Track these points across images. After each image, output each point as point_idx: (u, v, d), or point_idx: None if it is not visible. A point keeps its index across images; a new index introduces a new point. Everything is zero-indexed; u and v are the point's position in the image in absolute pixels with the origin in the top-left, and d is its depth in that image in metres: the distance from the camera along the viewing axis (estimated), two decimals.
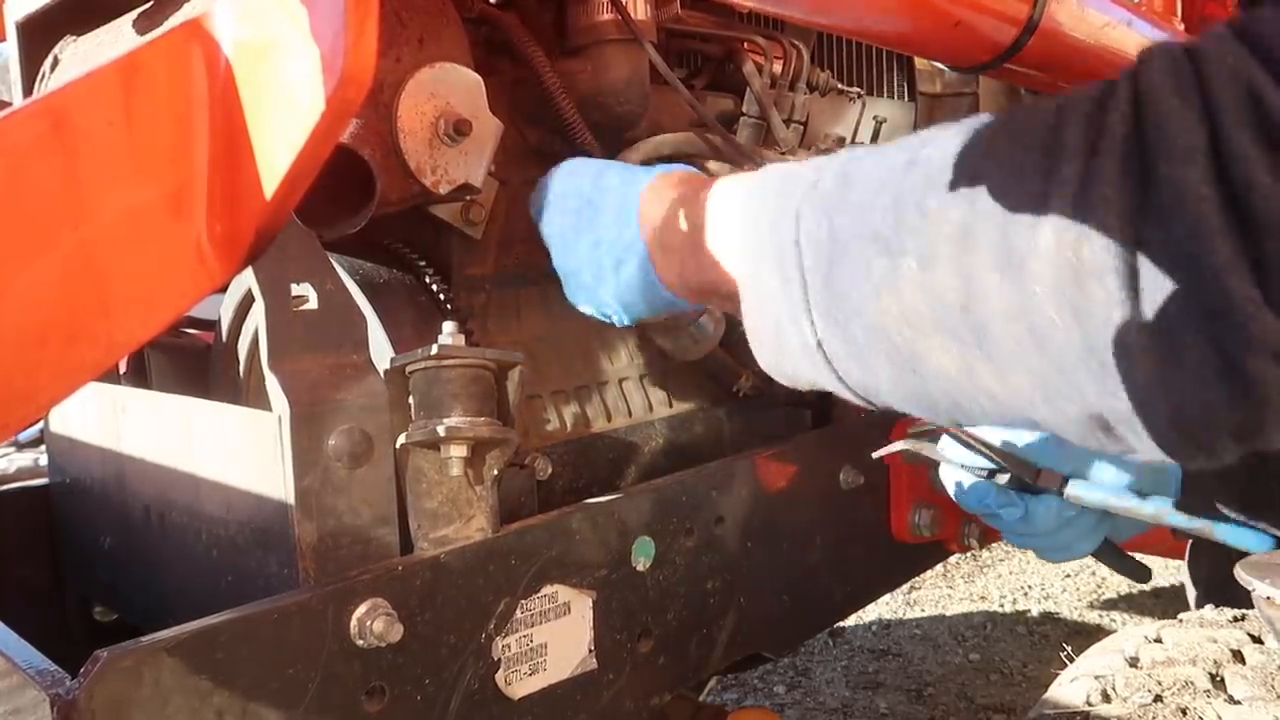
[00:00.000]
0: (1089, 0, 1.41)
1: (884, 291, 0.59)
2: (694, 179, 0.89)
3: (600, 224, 0.93)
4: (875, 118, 1.36)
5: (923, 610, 3.58)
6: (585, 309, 1.00)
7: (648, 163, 1.11)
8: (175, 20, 0.87)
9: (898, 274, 0.58)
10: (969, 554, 2.53)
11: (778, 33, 1.35)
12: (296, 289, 0.81)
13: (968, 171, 0.56)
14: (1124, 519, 1.06)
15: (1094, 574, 3.90)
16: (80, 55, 1.05)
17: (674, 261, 0.86)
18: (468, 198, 1.02)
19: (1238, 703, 0.98)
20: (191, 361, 1.21)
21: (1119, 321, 0.49)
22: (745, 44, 1.31)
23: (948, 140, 0.59)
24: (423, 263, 1.07)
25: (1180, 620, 1.18)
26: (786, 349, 0.69)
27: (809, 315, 0.65)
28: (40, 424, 1.23)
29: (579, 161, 1.01)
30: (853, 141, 1.32)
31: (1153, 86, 0.50)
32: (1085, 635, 3.21)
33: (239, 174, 0.60)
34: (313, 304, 0.82)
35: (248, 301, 1.09)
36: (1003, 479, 1.07)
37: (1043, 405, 0.56)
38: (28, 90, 1.15)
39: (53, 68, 1.09)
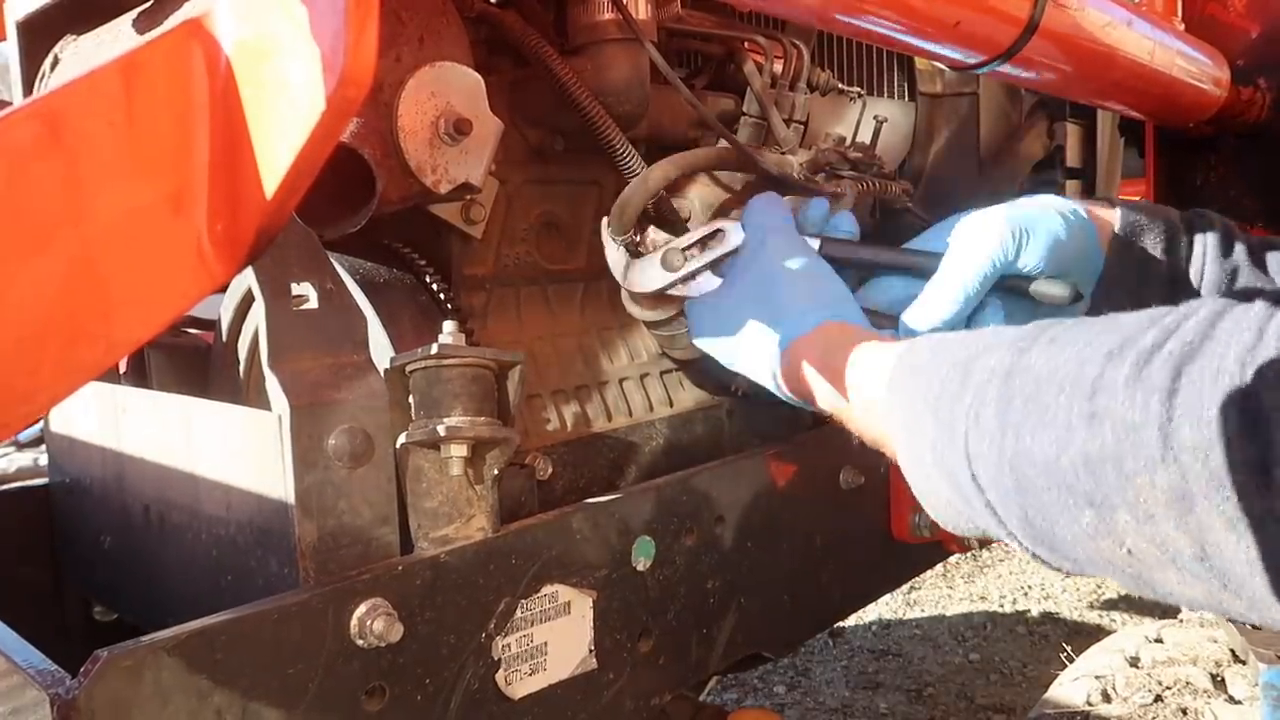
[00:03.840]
0: (1089, 0, 1.41)
1: (1100, 536, 0.59)
2: (833, 345, 0.89)
3: (748, 369, 0.98)
4: (876, 117, 1.36)
5: (923, 610, 3.58)
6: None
7: (662, 187, 1.10)
8: (175, 20, 0.86)
9: (1113, 525, 0.58)
10: (969, 554, 2.53)
11: (778, 32, 1.35)
12: (297, 288, 0.81)
13: (1160, 437, 0.55)
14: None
15: None
16: (80, 55, 1.05)
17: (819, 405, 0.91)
18: (468, 197, 1.02)
19: (1238, 702, 0.99)
20: (191, 361, 1.21)
21: None
22: (746, 44, 1.30)
23: (1120, 392, 0.58)
24: (423, 262, 1.07)
25: (1181, 620, 1.18)
26: (979, 529, 0.70)
27: (1013, 537, 0.66)
28: (40, 424, 1.23)
29: (718, 299, 1.03)
30: (853, 141, 1.32)
31: None
32: (1085, 635, 3.20)
33: (239, 173, 0.60)
34: (313, 303, 0.82)
35: (248, 301, 1.09)
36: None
37: None
38: (28, 90, 1.15)
39: (53, 67, 1.09)
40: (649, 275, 1.06)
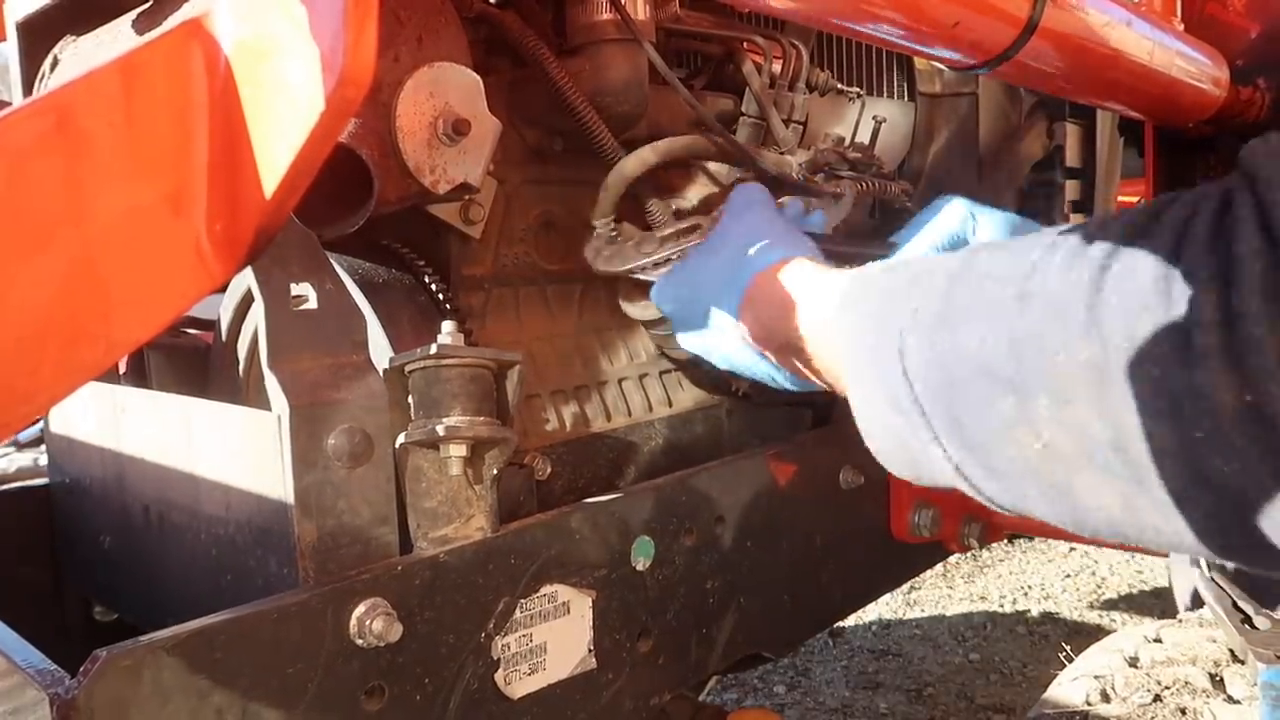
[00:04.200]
0: (1089, 0, 1.41)
1: (1017, 427, 0.57)
2: (792, 276, 0.88)
3: (707, 326, 0.96)
4: (875, 118, 1.36)
5: (923, 610, 3.58)
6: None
7: (659, 165, 1.11)
8: (175, 20, 0.86)
9: (1030, 412, 0.56)
10: (969, 554, 2.54)
11: (777, 32, 1.35)
12: (296, 289, 0.81)
13: (1085, 308, 0.53)
14: None
15: (1094, 574, 3.90)
16: (80, 55, 1.05)
17: (781, 360, 0.89)
18: (466, 197, 1.02)
19: (1237, 702, 0.99)
20: (191, 361, 1.21)
21: None
22: (744, 44, 1.31)
23: (1054, 271, 0.56)
24: (422, 262, 1.07)
25: (1180, 620, 1.18)
26: (919, 463, 0.68)
27: (939, 443, 0.64)
28: (40, 424, 1.23)
29: (686, 260, 1.03)
30: (852, 141, 1.32)
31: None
32: (1085, 635, 3.21)
33: (238, 173, 0.60)
34: (312, 304, 0.82)
35: (247, 301, 1.09)
36: None
37: (1212, 542, 0.53)
38: (28, 90, 1.15)
39: (52, 68, 1.09)
40: (619, 258, 1.07)
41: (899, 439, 0.68)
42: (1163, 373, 0.49)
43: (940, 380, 0.62)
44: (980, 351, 0.59)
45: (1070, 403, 0.54)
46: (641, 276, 1.06)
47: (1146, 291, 0.50)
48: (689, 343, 1.03)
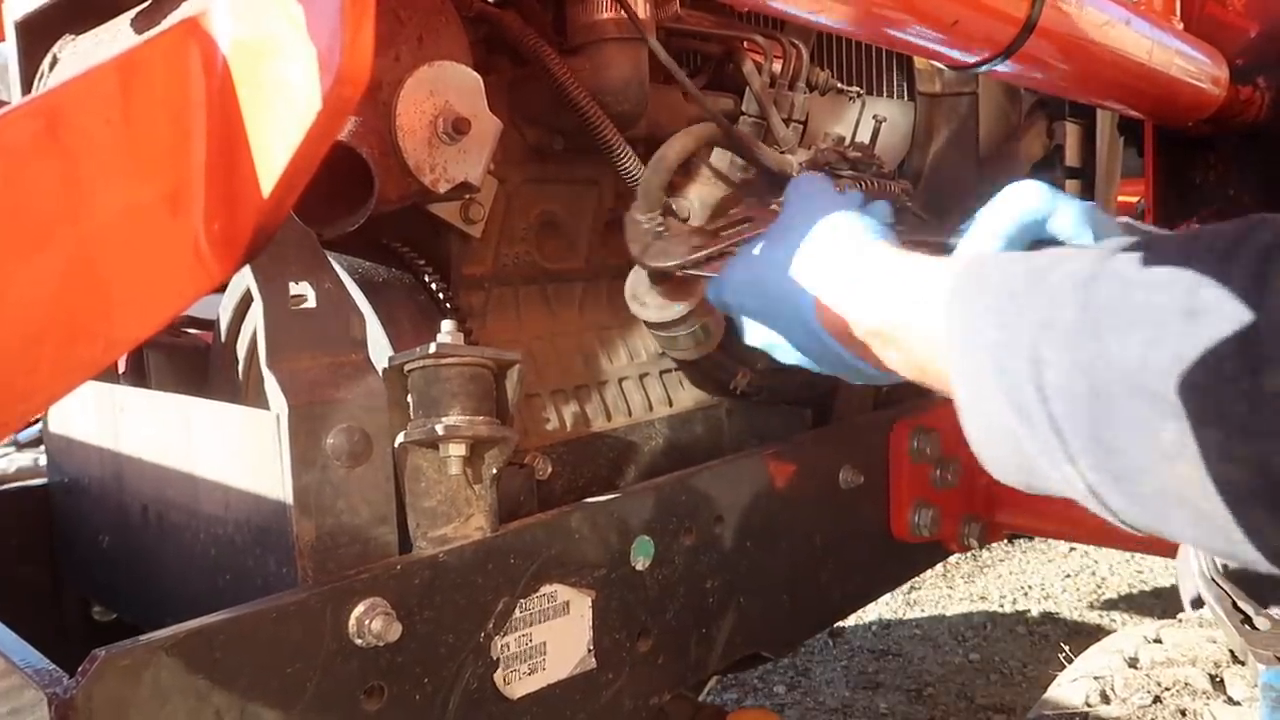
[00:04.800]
0: None
1: (1181, 460, 0.52)
2: (876, 260, 0.82)
3: (778, 317, 0.90)
4: (875, 117, 1.36)
5: (923, 610, 3.58)
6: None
7: (681, 160, 1.09)
8: (173, 19, 0.86)
9: (1198, 443, 0.51)
10: (969, 554, 2.53)
11: (777, 32, 1.35)
12: (295, 288, 0.81)
13: (1271, 333, 0.48)
14: None
15: (1094, 574, 3.90)
16: (79, 54, 1.05)
17: (859, 349, 0.82)
18: (467, 196, 1.02)
19: (1237, 704, 0.98)
20: (190, 360, 1.21)
21: None
22: (745, 43, 1.31)
23: (1230, 287, 0.51)
24: (421, 261, 1.07)
25: (1180, 621, 1.18)
26: (1038, 475, 0.63)
27: (1072, 463, 0.58)
28: (39, 423, 1.23)
29: (754, 252, 0.96)
30: (852, 140, 1.32)
31: None
32: (1085, 635, 3.20)
33: (237, 172, 0.60)
34: (311, 303, 0.82)
35: (246, 300, 1.09)
36: None
37: None
38: (26, 89, 1.15)
39: (51, 67, 1.09)
40: (669, 253, 1.03)
41: (1017, 449, 0.63)
42: None
43: (1085, 393, 0.56)
44: (1140, 369, 0.53)
45: (1250, 437, 0.49)
46: (696, 272, 1.03)
47: None
48: (756, 337, 0.97)
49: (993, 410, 0.63)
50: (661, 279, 1.09)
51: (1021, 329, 0.60)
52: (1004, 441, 0.64)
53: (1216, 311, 0.50)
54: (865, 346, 0.82)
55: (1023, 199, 0.83)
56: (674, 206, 1.16)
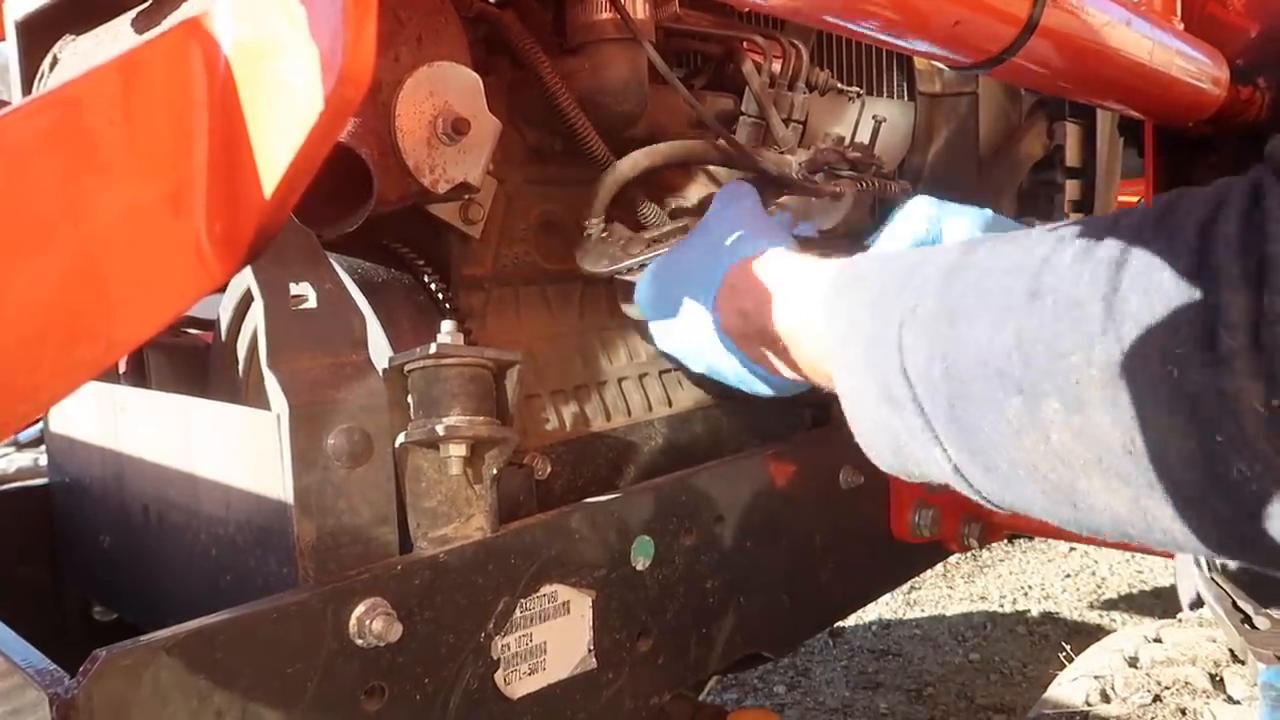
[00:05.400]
0: (1089, 0, 1.41)
1: (1026, 431, 0.55)
2: (771, 265, 0.85)
3: (681, 322, 0.93)
4: (875, 117, 1.36)
5: (923, 610, 3.58)
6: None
7: (654, 169, 1.11)
8: (174, 19, 0.86)
9: (1039, 415, 0.54)
10: (969, 554, 2.53)
11: (777, 32, 1.35)
12: (295, 288, 0.81)
13: (1102, 307, 0.51)
14: None
15: (1094, 574, 3.90)
16: (79, 54, 1.05)
17: (756, 354, 0.86)
18: (466, 197, 1.02)
19: (1236, 703, 0.99)
20: (190, 361, 1.21)
21: None
22: (744, 43, 1.31)
23: (1066, 267, 0.54)
24: (421, 262, 1.07)
25: (1180, 620, 1.18)
26: (913, 461, 0.66)
27: (938, 443, 0.61)
28: (40, 424, 1.23)
29: (660, 266, 1.00)
30: (852, 140, 1.32)
31: None
32: (1085, 635, 3.20)
33: (238, 173, 0.60)
34: (311, 303, 0.82)
35: (247, 301, 1.09)
36: None
37: (1227, 544, 0.52)
38: (27, 89, 1.15)
39: (52, 67, 1.09)
40: (605, 259, 1.07)
41: (891, 435, 0.66)
42: (1183, 375, 0.48)
43: (942, 379, 0.60)
44: (986, 350, 0.56)
45: (1083, 406, 0.52)
46: (626, 278, 1.06)
47: (1168, 290, 0.48)
48: (665, 343, 1.02)
49: (868, 400, 0.66)
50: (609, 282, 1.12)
51: (889, 320, 0.64)
52: (879, 430, 0.67)
53: (1054, 292, 0.53)
54: (762, 353, 0.85)
55: (910, 217, 0.89)
56: (672, 206, 1.16)
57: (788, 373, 0.84)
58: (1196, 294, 0.47)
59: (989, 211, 0.92)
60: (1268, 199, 0.48)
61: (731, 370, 0.92)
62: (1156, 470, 0.50)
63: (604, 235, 1.09)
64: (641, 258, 1.03)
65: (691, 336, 0.94)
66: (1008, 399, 0.55)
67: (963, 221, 0.90)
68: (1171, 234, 0.50)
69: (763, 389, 0.93)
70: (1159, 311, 0.49)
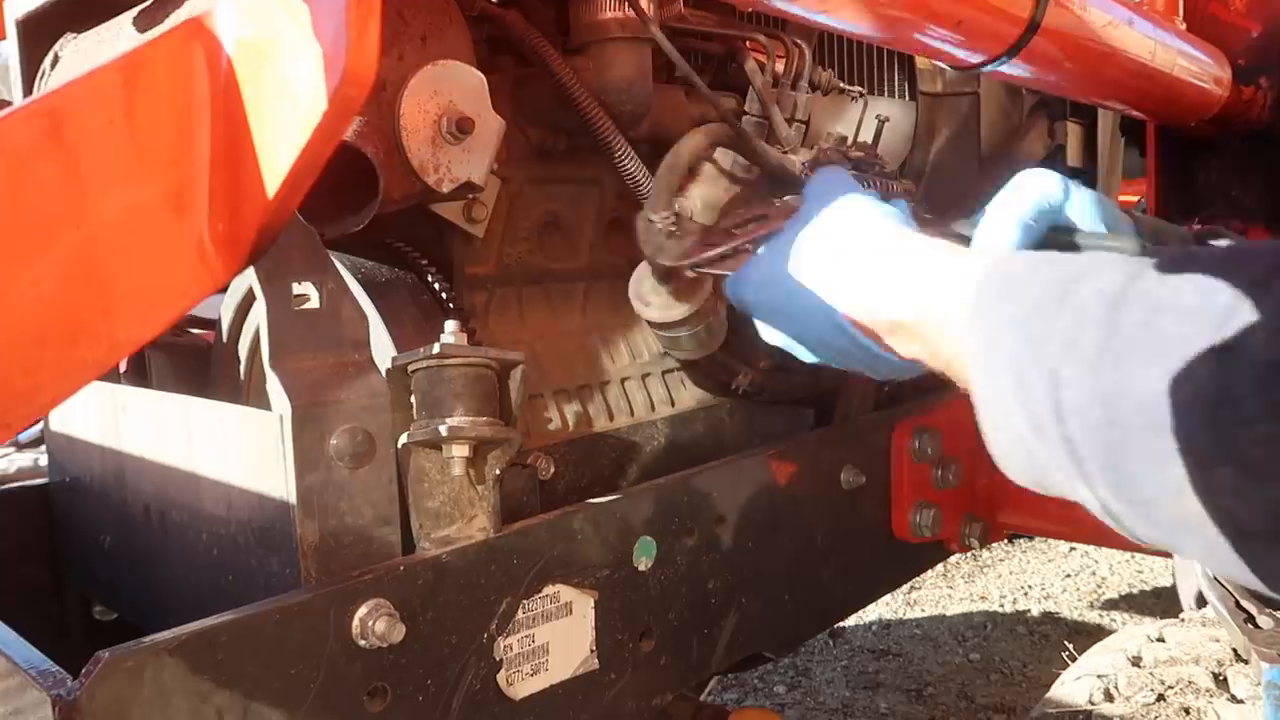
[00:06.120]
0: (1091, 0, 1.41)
1: (1192, 496, 0.51)
2: (901, 252, 0.80)
3: (797, 312, 0.88)
4: (877, 116, 1.35)
5: (923, 610, 3.58)
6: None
7: (695, 161, 1.09)
8: (177, 18, 0.86)
9: (1212, 482, 0.50)
10: (969, 554, 2.53)
11: (780, 32, 1.35)
12: (298, 288, 0.81)
13: None
14: None
15: (1094, 574, 3.90)
16: (81, 53, 1.05)
17: (881, 342, 0.82)
18: (470, 196, 1.02)
19: (1240, 701, 0.98)
20: (192, 361, 1.21)
21: None
22: (747, 43, 1.30)
23: (1262, 324, 0.49)
24: (425, 261, 1.07)
25: (1182, 619, 1.18)
26: (1054, 487, 0.62)
27: (1087, 483, 0.57)
28: (40, 424, 1.23)
29: (770, 245, 0.94)
30: (855, 140, 1.32)
31: None
32: (1086, 635, 3.20)
33: (241, 172, 0.60)
34: (314, 303, 0.82)
35: (249, 300, 1.09)
36: None
37: None
38: (28, 89, 1.14)
39: (53, 66, 1.08)
40: (686, 251, 1.02)
41: (1031, 460, 0.63)
42: None
43: (1102, 421, 0.55)
44: (1158, 404, 0.51)
45: (1266, 478, 0.48)
46: (711, 270, 1.02)
47: None
48: (774, 334, 0.94)
49: (1010, 419, 0.63)
50: (669, 278, 1.08)
51: (1044, 345, 0.59)
52: (1019, 450, 0.63)
53: (1241, 349, 0.49)
54: (890, 338, 0.81)
55: (1041, 185, 0.81)
56: (677, 206, 1.15)
57: (924, 360, 0.79)
58: None
59: (1099, 193, 0.86)
60: None
61: (857, 357, 0.87)
62: None
63: (672, 228, 1.06)
64: (725, 246, 0.99)
65: (808, 325, 0.89)
66: (1175, 458, 0.51)
67: (1083, 199, 0.83)
68: None
69: (884, 373, 0.89)
70: None
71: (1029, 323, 0.61)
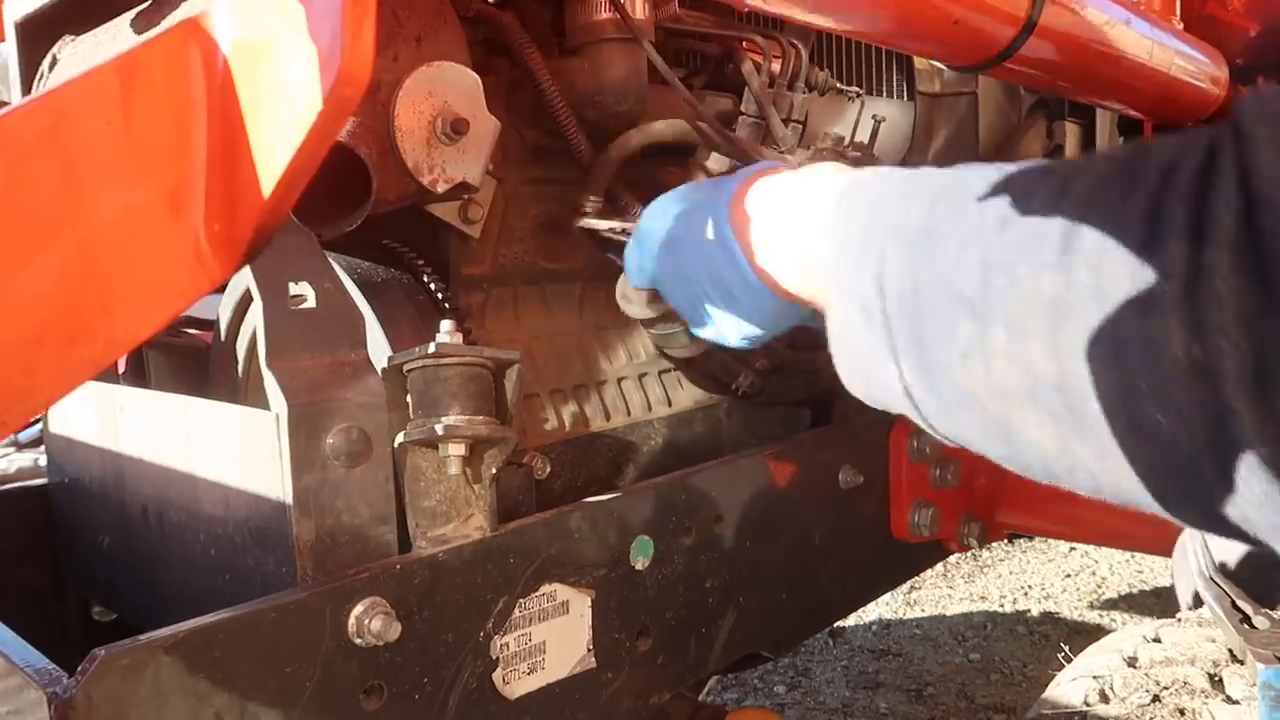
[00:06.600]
0: None
1: (971, 357, 0.56)
2: (775, 177, 0.85)
3: (699, 251, 0.88)
4: (874, 117, 1.36)
5: (923, 610, 3.58)
6: (706, 335, 0.96)
7: (646, 150, 1.11)
8: (173, 19, 0.87)
9: (986, 341, 0.55)
10: (969, 554, 2.54)
11: (776, 32, 1.35)
12: (295, 288, 0.81)
13: (1060, 240, 0.52)
14: None
15: (1094, 574, 3.90)
16: (79, 54, 1.05)
17: (772, 262, 0.82)
18: (465, 196, 1.02)
19: (1235, 702, 0.98)
20: (190, 361, 1.21)
21: (1239, 431, 0.44)
22: (744, 43, 1.31)
23: (1038, 199, 0.55)
24: (421, 261, 1.07)
25: (1179, 620, 1.18)
26: (873, 380, 0.67)
27: (894, 359, 0.62)
28: (39, 424, 1.23)
29: (659, 202, 0.96)
30: (852, 140, 1.32)
31: (1263, 168, 0.45)
32: (1085, 635, 3.20)
33: (237, 173, 0.60)
34: (311, 303, 0.82)
35: (246, 300, 1.09)
36: None
37: (1149, 496, 0.52)
38: (26, 90, 1.15)
39: (51, 67, 1.09)
40: (596, 220, 1.08)
41: (857, 349, 0.67)
42: (1119, 317, 0.48)
43: (910, 296, 0.61)
44: (952, 272, 0.57)
45: (1024, 336, 0.53)
46: (618, 237, 1.06)
47: (1123, 233, 0.49)
48: (700, 324, 0.93)
49: (849, 318, 0.67)
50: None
51: (878, 231, 0.65)
52: (849, 342, 0.67)
53: (1024, 222, 0.54)
54: (766, 267, 0.82)
55: None
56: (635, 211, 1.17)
57: (791, 287, 0.81)
58: (1145, 240, 0.48)
59: None
60: (1220, 157, 0.48)
61: (736, 285, 0.86)
62: (1083, 410, 0.51)
63: (599, 213, 1.11)
64: (634, 224, 1.01)
65: (699, 262, 0.89)
66: (963, 322, 0.56)
67: None
68: (1138, 180, 0.51)
69: (755, 316, 0.88)
70: (1107, 253, 0.49)
71: (869, 221, 0.67)
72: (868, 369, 0.66)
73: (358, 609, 0.76)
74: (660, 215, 0.94)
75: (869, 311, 0.64)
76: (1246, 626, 1.05)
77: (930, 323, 0.59)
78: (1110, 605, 3.60)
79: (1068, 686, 1.07)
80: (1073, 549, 4.10)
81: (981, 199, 0.59)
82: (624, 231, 1.06)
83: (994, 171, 0.61)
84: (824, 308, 0.73)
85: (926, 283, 0.59)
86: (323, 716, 0.74)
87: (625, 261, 0.99)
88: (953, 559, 3.83)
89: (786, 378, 1.29)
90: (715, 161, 1.18)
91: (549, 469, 1.07)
